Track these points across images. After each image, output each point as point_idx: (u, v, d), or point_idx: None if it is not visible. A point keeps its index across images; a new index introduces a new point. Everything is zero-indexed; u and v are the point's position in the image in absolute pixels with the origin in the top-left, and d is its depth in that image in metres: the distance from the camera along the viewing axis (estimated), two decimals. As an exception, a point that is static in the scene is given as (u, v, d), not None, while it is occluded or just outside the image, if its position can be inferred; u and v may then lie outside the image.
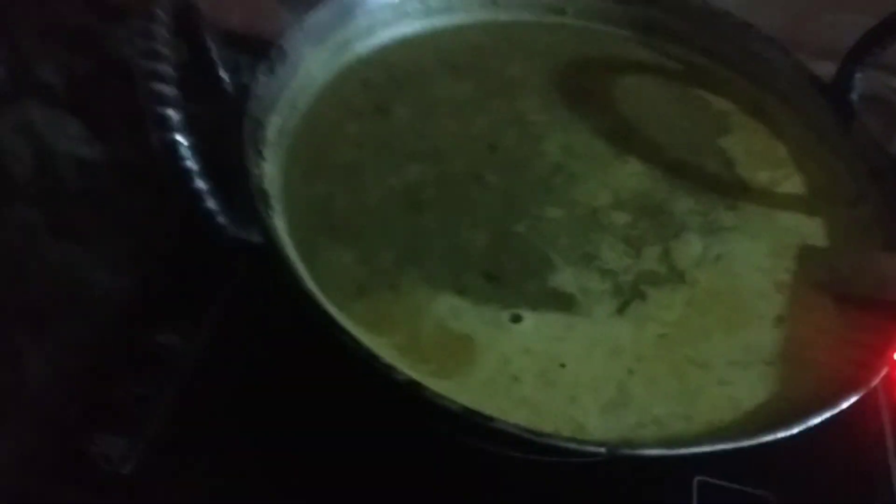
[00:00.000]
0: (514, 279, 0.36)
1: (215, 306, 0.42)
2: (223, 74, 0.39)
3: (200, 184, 0.30)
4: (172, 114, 0.29)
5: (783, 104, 0.48)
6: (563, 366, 0.33)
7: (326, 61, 0.44)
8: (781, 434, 0.30)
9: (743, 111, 0.47)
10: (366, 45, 0.46)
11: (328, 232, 0.37)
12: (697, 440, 0.31)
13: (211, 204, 0.30)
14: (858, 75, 0.45)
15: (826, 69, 0.58)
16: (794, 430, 0.30)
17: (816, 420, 0.31)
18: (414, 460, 0.36)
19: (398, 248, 0.37)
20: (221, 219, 0.31)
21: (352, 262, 0.36)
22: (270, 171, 0.38)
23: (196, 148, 0.30)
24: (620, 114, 0.46)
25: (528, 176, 0.41)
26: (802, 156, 0.45)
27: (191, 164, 0.30)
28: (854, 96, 0.45)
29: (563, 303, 0.35)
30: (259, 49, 0.63)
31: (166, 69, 0.30)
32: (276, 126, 0.39)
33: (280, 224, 0.36)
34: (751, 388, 0.33)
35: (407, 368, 0.31)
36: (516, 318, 0.35)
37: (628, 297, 0.36)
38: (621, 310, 0.36)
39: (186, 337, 0.41)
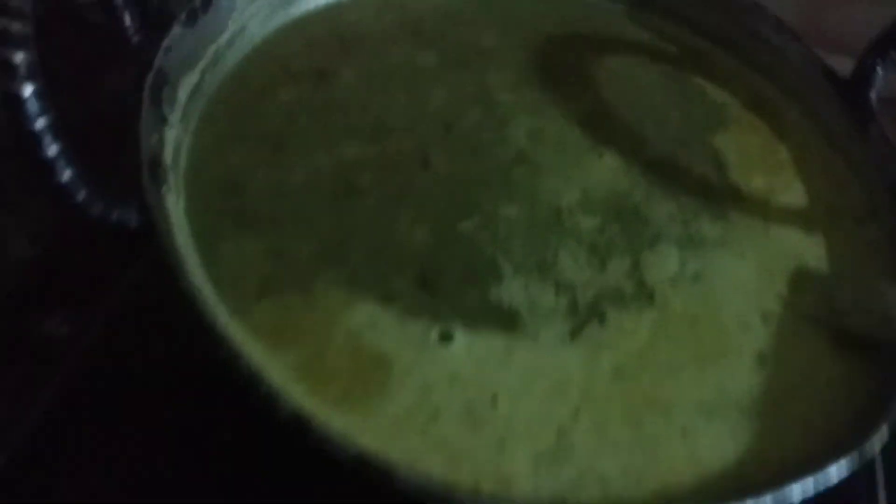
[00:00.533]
0: (452, 288, 0.30)
1: (114, 293, 0.36)
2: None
3: (53, 150, 0.24)
4: (19, 57, 0.23)
5: (789, 99, 0.42)
6: (494, 400, 0.27)
7: (265, 14, 0.38)
8: (751, 505, 0.25)
9: (742, 104, 0.41)
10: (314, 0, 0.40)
11: (236, 216, 0.31)
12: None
13: (66, 176, 0.24)
14: (880, 71, 0.39)
15: (840, 64, 0.53)
16: (767, 502, 0.25)
17: (796, 491, 0.25)
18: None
19: (318, 241, 0.31)
20: (82, 195, 0.25)
21: (259, 255, 0.30)
22: (176, 138, 0.32)
23: (51, 100, 0.24)
24: (602, 98, 0.40)
25: (485, 164, 0.35)
26: (807, 161, 0.39)
27: (41, 123, 0.24)
28: (873, 95, 0.39)
29: (505, 321, 0.30)
30: None
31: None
32: (190, 85, 0.33)
33: (175, 203, 0.30)
34: (719, 443, 0.27)
35: (301, 394, 0.26)
36: (446, 337, 0.29)
37: (584, 317, 0.30)
38: (574, 334, 0.30)
39: (76, 327, 0.35)
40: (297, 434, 0.23)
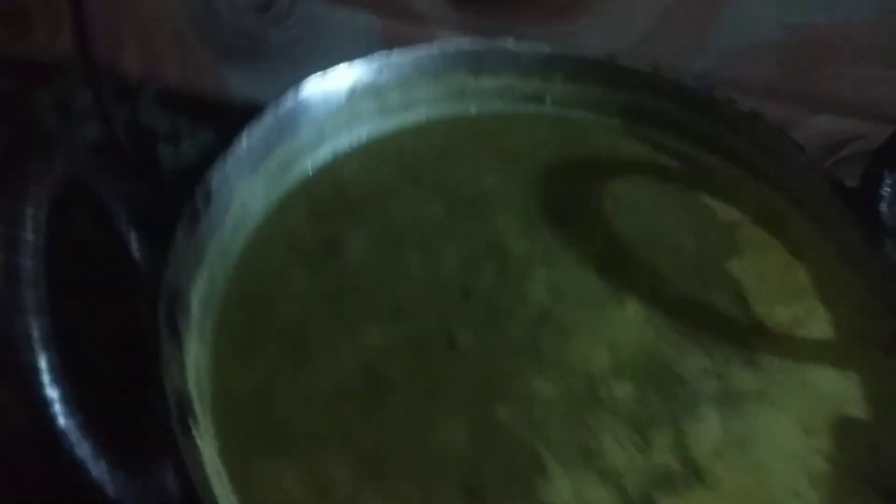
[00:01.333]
0: (498, 492, 0.29)
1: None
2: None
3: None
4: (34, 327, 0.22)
5: (799, 211, 0.41)
6: None
7: (264, 190, 0.37)
8: None
9: (753, 221, 0.41)
10: (312, 160, 0.39)
11: (267, 437, 0.30)
12: None
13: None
14: (888, 181, 0.39)
15: (824, 123, 0.51)
16: None
17: None
18: None
19: (353, 457, 0.30)
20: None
21: (295, 480, 0.29)
22: (195, 359, 0.31)
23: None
24: (613, 233, 0.39)
25: (510, 331, 0.34)
26: (827, 282, 0.38)
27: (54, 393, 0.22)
28: (884, 207, 0.39)
29: (559, 529, 0.29)
30: (198, 111, 0.57)
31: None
32: (201, 293, 0.32)
33: (208, 440, 0.29)
34: None
35: None
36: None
37: (637, 511, 0.30)
38: (630, 534, 0.29)
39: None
40: None
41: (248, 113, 0.55)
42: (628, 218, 0.40)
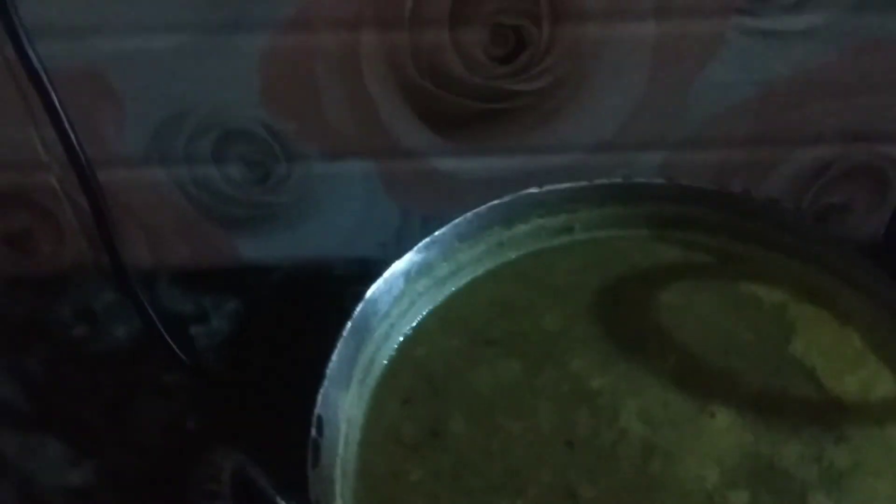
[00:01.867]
0: None
1: None
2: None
3: None
4: None
5: (836, 281, 0.44)
6: None
7: (358, 395, 0.39)
8: None
9: (796, 299, 0.44)
10: (388, 351, 0.41)
11: None
12: None
13: None
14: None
15: (813, 154, 0.56)
16: None
17: None
18: None
19: None
20: None
21: None
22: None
23: None
24: (679, 345, 0.42)
25: (622, 471, 0.37)
26: (881, 343, 0.42)
27: None
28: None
29: None
30: (215, 285, 0.60)
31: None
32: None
33: None
34: None
35: None
36: None
37: None
38: None
39: None
40: None
41: (263, 274, 0.57)
42: (687, 326, 0.42)
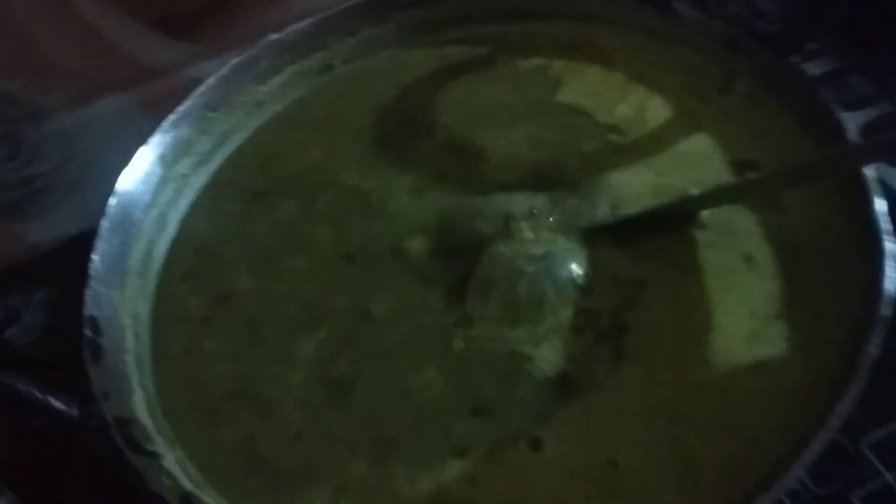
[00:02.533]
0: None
1: None
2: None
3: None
4: None
5: (598, 26, 0.43)
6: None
7: (140, 288, 0.37)
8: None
9: (558, 57, 0.43)
10: (166, 238, 0.39)
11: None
12: None
13: None
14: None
15: None
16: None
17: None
18: None
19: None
20: None
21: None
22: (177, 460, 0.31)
23: None
24: (442, 125, 0.41)
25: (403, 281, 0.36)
26: (645, 72, 0.41)
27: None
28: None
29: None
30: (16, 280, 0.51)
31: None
32: (142, 401, 0.33)
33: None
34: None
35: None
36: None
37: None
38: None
39: None
40: None
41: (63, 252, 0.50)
42: (452, 109, 0.41)
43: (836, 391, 0.28)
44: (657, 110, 0.39)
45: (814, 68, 0.46)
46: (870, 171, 0.32)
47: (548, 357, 0.32)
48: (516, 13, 0.44)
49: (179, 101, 0.41)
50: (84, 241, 0.38)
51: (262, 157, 0.42)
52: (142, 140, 0.40)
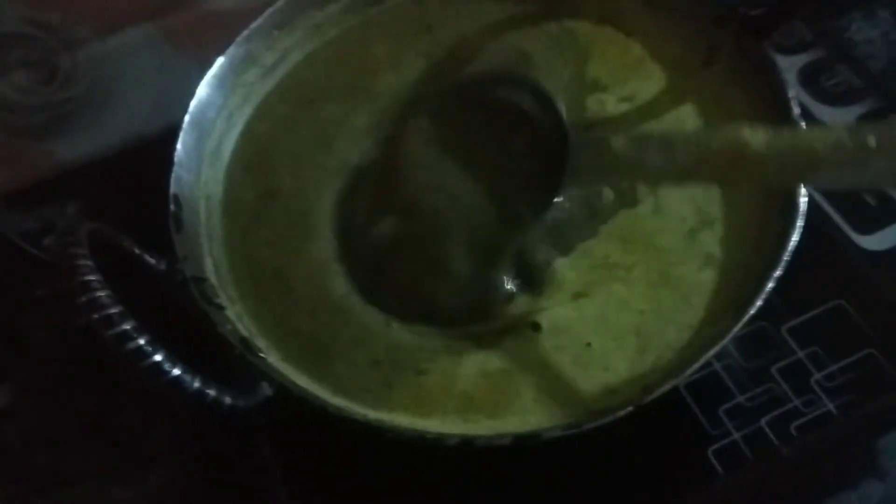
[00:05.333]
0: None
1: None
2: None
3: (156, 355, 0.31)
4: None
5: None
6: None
7: (213, 176, 0.45)
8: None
9: (593, 23, 0.49)
10: (233, 135, 0.47)
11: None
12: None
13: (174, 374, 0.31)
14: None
15: None
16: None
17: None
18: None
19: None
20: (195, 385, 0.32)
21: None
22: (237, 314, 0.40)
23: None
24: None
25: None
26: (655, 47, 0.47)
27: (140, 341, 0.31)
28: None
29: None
30: (49, 195, 0.57)
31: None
32: (211, 266, 0.41)
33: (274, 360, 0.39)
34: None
35: (459, 427, 0.36)
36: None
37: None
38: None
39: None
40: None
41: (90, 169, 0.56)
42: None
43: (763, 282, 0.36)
44: (646, 79, 0.46)
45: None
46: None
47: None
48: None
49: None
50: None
51: (316, 70, 0.49)
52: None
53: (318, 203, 0.44)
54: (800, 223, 0.38)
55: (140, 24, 0.54)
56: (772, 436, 0.41)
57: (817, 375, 0.43)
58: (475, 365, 0.38)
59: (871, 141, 0.32)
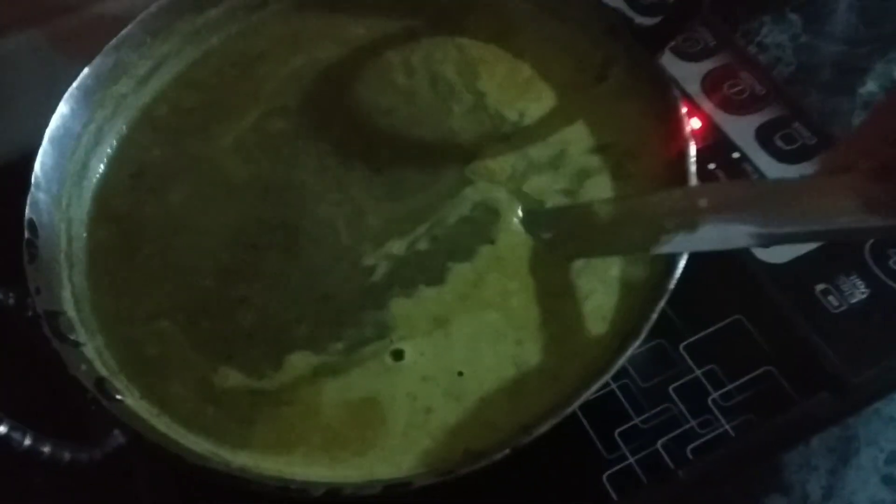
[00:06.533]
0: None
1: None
2: None
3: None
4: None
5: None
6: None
7: (77, 197, 0.42)
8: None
9: (482, 41, 0.47)
10: (105, 147, 0.44)
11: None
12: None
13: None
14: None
15: None
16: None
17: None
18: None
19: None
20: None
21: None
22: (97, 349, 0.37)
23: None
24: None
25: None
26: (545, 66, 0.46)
27: None
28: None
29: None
30: None
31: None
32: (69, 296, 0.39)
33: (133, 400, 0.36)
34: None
35: (326, 467, 0.33)
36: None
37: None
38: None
39: None
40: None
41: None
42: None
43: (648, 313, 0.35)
44: (535, 99, 0.45)
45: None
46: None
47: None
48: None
49: (89, 36, 0.44)
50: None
51: (196, 79, 0.47)
52: (55, 73, 0.43)
53: (195, 223, 0.41)
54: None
55: (24, 30, 0.52)
56: (667, 459, 0.40)
57: (714, 395, 0.42)
58: (337, 394, 0.36)
59: (703, 202, 0.34)
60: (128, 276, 0.40)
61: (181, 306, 0.39)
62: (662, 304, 0.35)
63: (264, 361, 0.37)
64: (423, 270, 0.39)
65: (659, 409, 0.41)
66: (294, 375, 0.36)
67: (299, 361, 0.37)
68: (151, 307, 0.39)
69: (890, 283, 0.43)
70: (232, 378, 0.37)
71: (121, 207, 0.42)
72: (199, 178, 0.43)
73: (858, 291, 0.43)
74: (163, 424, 0.35)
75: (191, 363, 0.37)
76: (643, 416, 0.41)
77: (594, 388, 0.34)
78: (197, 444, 0.34)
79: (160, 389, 0.36)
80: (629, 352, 0.34)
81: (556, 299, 0.38)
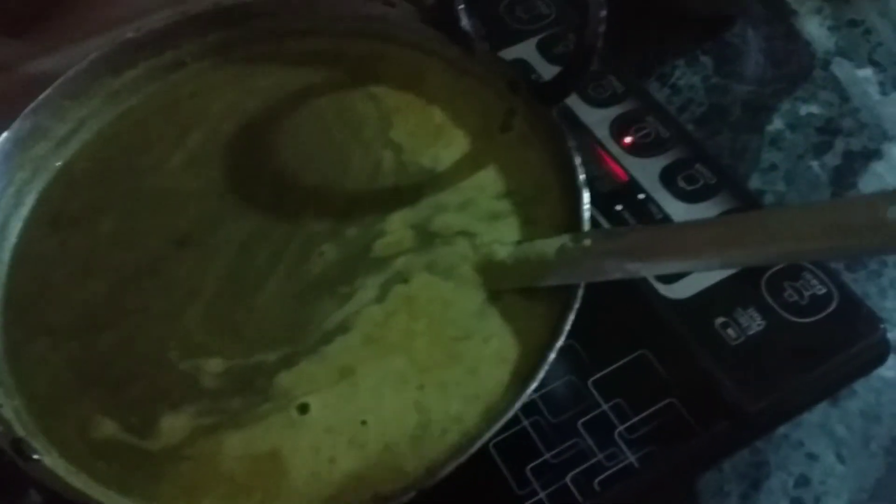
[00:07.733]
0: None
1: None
2: None
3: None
4: None
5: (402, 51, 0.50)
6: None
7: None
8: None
9: (392, 89, 0.49)
10: (24, 210, 0.45)
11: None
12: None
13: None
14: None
15: None
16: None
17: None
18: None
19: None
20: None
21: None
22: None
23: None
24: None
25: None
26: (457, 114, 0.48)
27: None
28: (464, 24, 0.48)
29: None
30: None
31: None
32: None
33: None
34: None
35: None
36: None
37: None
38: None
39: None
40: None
41: None
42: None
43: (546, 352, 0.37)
44: (447, 146, 0.47)
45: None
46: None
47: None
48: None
49: (19, 96, 0.45)
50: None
51: (116, 140, 0.48)
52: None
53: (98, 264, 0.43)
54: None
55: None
56: (576, 492, 0.42)
57: (620, 428, 0.44)
58: (239, 446, 0.37)
59: (587, 242, 0.38)
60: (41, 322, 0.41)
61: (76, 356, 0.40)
62: (559, 345, 0.37)
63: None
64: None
65: (568, 443, 0.43)
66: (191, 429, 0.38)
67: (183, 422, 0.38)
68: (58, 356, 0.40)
69: (785, 314, 0.46)
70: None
71: (38, 256, 0.44)
72: (117, 219, 0.45)
73: (755, 324, 0.46)
74: (80, 482, 0.36)
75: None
76: (553, 451, 0.43)
77: (493, 429, 0.35)
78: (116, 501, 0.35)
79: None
80: (526, 395, 0.36)
81: (459, 342, 0.40)
